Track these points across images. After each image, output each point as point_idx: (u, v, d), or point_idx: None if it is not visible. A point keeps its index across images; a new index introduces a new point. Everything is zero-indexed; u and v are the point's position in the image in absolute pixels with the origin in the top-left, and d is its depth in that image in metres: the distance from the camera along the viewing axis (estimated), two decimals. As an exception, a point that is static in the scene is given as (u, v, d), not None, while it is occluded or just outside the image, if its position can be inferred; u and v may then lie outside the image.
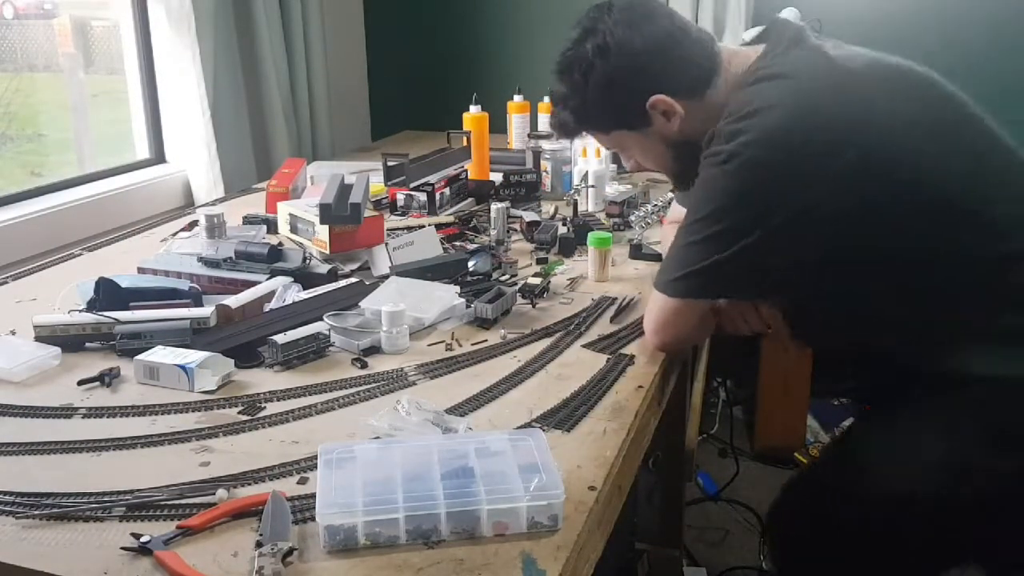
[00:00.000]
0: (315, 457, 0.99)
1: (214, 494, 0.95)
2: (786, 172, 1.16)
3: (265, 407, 1.17)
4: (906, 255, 1.20)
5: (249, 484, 0.99)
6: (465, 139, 2.18)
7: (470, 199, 2.11)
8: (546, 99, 2.42)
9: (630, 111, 1.31)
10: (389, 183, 2.04)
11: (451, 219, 1.91)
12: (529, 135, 2.32)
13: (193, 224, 1.95)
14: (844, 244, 1.20)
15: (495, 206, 1.77)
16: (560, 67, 1.34)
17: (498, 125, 2.40)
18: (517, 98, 2.46)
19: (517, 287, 1.54)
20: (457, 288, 1.50)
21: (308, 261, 1.62)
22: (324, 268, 1.59)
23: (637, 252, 1.76)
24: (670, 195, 1.92)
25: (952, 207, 1.19)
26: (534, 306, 1.51)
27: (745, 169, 1.17)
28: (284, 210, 1.79)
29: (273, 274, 1.54)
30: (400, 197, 1.99)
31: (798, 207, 1.17)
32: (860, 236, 1.19)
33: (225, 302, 1.41)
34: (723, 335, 1.41)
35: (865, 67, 1.25)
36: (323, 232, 1.65)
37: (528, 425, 1.10)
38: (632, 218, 1.89)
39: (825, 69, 1.23)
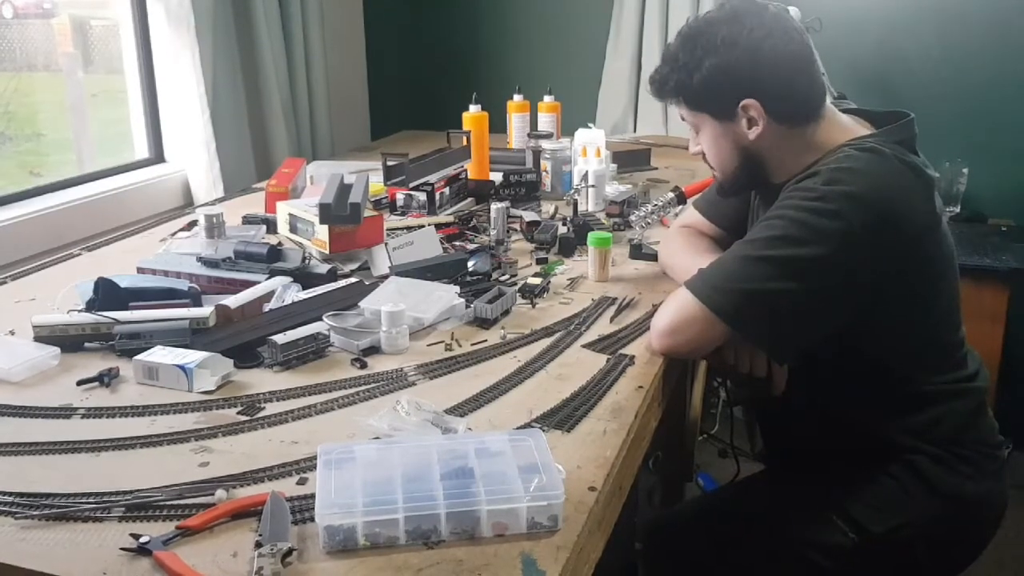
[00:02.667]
0: (314, 457, 0.99)
1: (213, 494, 0.95)
2: (867, 233, 1.21)
3: (264, 407, 1.17)
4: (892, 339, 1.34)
5: (248, 484, 0.98)
6: (465, 139, 2.18)
7: (470, 199, 2.11)
8: (546, 98, 2.43)
9: (723, 101, 1.35)
10: (389, 183, 2.03)
11: (451, 219, 1.91)
12: (529, 135, 2.32)
13: (192, 224, 1.95)
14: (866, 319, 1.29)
15: (495, 206, 1.76)
16: (687, 32, 1.37)
17: (498, 125, 2.39)
18: (517, 98, 2.45)
19: (517, 287, 1.54)
20: (457, 288, 1.50)
21: (307, 261, 1.62)
22: (324, 268, 1.59)
23: (637, 252, 1.76)
24: (670, 195, 1.92)
25: (942, 321, 1.38)
26: (534, 306, 1.51)
27: (835, 215, 1.21)
28: (284, 210, 1.79)
29: (272, 274, 1.54)
30: (400, 197, 1.99)
31: (862, 267, 1.24)
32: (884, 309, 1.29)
33: (224, 302, 1.41)
34: (718, 363, 1.40)
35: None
36: (323, 232, 1.65)
37: (528, 425, 1.10)
38: (632, 218, 1.89)
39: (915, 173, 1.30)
